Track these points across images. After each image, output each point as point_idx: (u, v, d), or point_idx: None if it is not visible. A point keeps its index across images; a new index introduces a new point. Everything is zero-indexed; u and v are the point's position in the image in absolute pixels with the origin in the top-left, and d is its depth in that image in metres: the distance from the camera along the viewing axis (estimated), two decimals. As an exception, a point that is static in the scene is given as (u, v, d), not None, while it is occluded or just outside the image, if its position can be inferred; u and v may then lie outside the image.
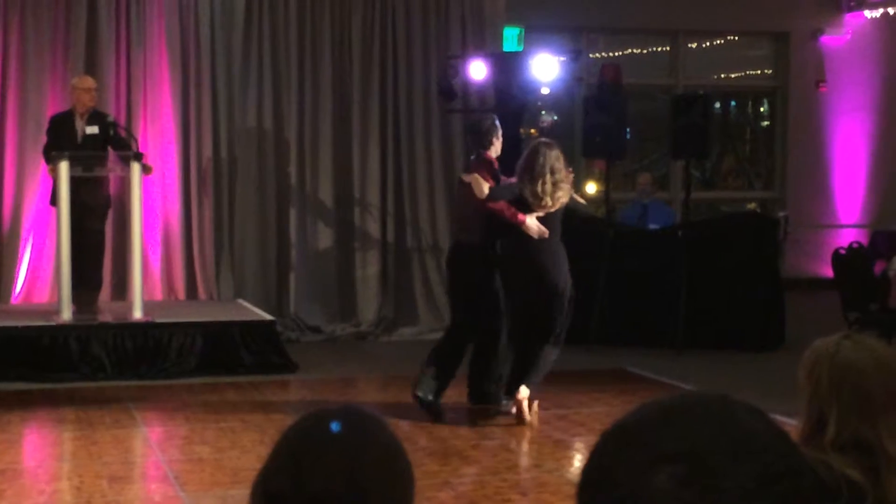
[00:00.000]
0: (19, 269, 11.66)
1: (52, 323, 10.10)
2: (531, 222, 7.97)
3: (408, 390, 8.64)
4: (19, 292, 11.68)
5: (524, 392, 8.11)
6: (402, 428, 8.21)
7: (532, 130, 15.17)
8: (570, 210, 8.55)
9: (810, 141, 15.64)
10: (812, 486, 1.21)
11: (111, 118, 10.81)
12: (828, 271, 12.39)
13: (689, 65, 15.48)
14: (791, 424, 7.59)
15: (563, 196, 8.03)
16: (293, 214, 12.28)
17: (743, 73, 16.40)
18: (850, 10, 15.70)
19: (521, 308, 8.24)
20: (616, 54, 15.34)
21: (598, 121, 11.56)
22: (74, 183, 10.08)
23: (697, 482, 1.15)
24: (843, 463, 2.70)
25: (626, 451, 1.21)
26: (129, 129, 11.16)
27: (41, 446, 8.32)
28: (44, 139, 10.81)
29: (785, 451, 1.21)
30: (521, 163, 8.09)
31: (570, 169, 8.32)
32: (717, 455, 1.16)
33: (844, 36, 15.70)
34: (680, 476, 1.15)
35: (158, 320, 10.32)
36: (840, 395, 2.77)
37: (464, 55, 12.30)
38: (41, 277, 11.71)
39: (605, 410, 8.82)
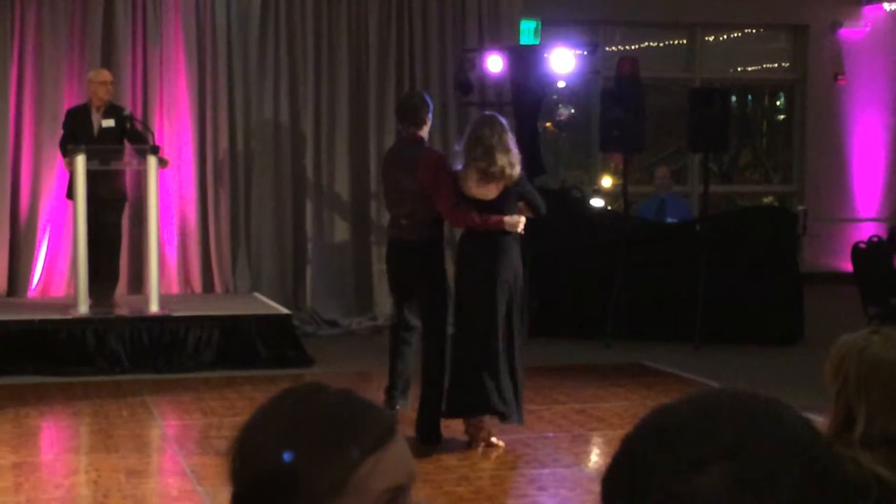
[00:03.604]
0: (36, 262, 11.66)
1: (69, 317, 10.10)
2: (509, 220, 7.30)
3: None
4: (36, 286, 11.69)
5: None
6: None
7: (548, 124, 15.14)
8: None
9: (829, 134, 15.56)
10: (851, 483, 1.19)
11: (127, 111, 10.81)
12: (847, 265, 12.34)
13: (707, 58, 15.41)
14: (812, 419, 7.58)
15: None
16: (309, 208, 12.26)
17: (761, 67, 16.32)
18: (869, 2, 15.61)
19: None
20: (633, 48, 15.27)
21: (616, 115, 11.49)
22: (91, 176, 10.08)
23: (745, 483, 1.11)
24: (872, 460, 2.67)
25: (667, 453, 1.15)
26: (145, 123, 11.15)
27: (58, 440, 8.31)
28: (60, 132, 10.81)
29: (825, 449, 1.17)
30: (468, 139, 7.34)
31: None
32: (763, 456, 1.12)
33: (863, 29, 15.61)
34: (726, 477, 1.11)
35: (175, 314, 10.31)
36: (869, 392, 2.73)
37: (480, 48, 12.26)
38: (58, 271, 11.71)
39: (623, 405, 8.78)
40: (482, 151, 7.21)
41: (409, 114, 7.61)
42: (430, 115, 7.67)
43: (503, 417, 7.35)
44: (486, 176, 7.24)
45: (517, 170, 7.30)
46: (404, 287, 7.71)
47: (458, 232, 8.03)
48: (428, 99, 7.78)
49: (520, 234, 7.43)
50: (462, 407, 7.43)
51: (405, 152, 7.63)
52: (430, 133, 12.38)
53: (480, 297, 7.30)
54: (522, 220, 7.38)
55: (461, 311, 7.43)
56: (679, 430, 1.16)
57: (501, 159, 7.21)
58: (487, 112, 8.15)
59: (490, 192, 7.28)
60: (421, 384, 7.58)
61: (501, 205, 7.30)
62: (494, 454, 7.39)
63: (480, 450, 7.39)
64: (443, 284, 7.60)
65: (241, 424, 1.52)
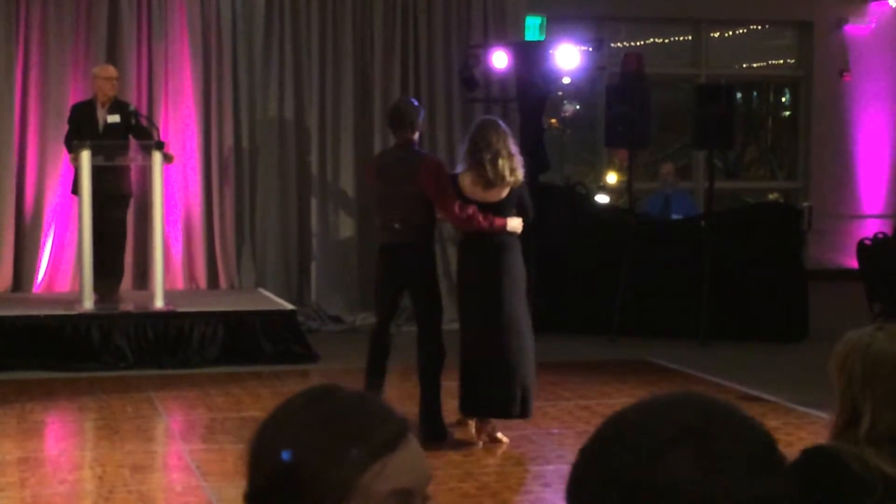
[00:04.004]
0: (41, 258, 11.67)
1: (74, 312, 10.11)
2: (511, 223, 7.40)
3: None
4: (41, 281, 11.70)
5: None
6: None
7: (553, 120, 15.13)
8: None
9: (834, 131, 15.54)
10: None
11: (132, 107, 10.81)
12: (852, 262, 12.33)
13: (712, 54, 15.40)
14: (816, 415, 7.49)
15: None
16: (314, 204, 12.26)
17: (766, 63, 16.30)
18: (875, -2, 15.59)
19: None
20: (638, 43, 15.26)
21: (621, 111, 11.49)
22: (96, 172, 10.08)
23: (706, 458, 1.23)
24: (878, 457, 2.66)
25: (629, 447, 1.27)
26: (150, 119, 11.15)
27: (63, 435, 8.32)
28: (65, 128, 10.82)
29: (766, 431, 1.31)
30: (472, 144, 7.39)
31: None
32: (722, 433, 1.25)
33: (869, 25, 15.59)
34: (688, 456, 1.23)
35: (180, 310, 10.32)
36: (874, 388, 2.73)
37: (486, 44, 12.26)
38: (63, 267, 11.72)
39: (628, 401, 8.68)
40: (489, 158, 7.28)
41: (402, 120, 7.64)
42: (421, 120, 7.71)
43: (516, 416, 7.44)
44: (489, 183, 7.33)
45: (520, 173, 7.39)
46: (393, 295, 7.71)
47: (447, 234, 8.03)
48: (417, 104, 7.84)
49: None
50: (480, 408, 7.47)
51: (400, 158, 7.65)
52: (436, 129, 12.49)
53: (487, 296, 7.34)
54: (521, 222, 7.47)
55: (468, 310, 7.47)
56: (637, 425, 1.28)
57: (504, 166, 7.30)
58: (489, 116, 8.24)
59: (493, 195, 7.36)
60: (421, 385, 7.59)
61: (503, 207, 7.39)
62: (499, 450, 7.39)
63: (482, 444, 7.42)
64: (436, 287, 7.68)
65: (260, 421, 1.55)
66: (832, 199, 15.29)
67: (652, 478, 1.23)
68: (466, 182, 7.39)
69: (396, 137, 7.76)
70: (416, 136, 7.68)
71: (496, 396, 7.34)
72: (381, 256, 7.74)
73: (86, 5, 11.66)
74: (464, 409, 7.53)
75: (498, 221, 7.34)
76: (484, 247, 7.41)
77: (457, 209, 7.33)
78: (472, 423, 7.55)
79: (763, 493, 1.23)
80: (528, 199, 7.60)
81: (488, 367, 7.33)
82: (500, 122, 7.58)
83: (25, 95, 11.61)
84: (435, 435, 7.41)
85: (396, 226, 7.53)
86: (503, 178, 7.31)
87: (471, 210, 7.32)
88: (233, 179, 12.13)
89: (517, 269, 7.46)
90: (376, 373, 7.71)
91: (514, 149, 7.41)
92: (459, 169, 7.51)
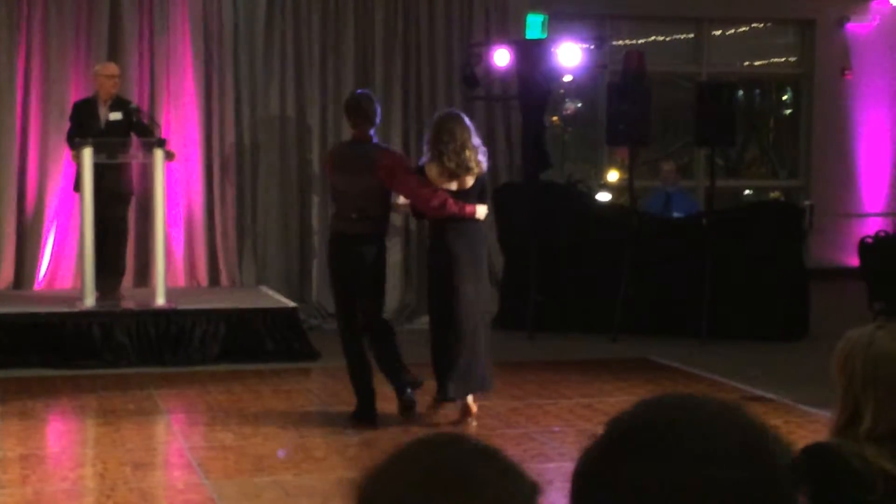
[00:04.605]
0: (43, 255, 11.68)
1: (75, 309, 10.11)
2: (480, 210, 7.79)
3: (430, 378, 8.62)
4: (42, 278, 11.70)
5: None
6: (425, 417, 8.19)
7: (555, 118, 15.12)
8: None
9: (835, 129, 15.52)
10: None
11: (134, 105, 10.82)
12: (853, 260, 12.32)
13: (714, 52, 15.38)
14: (817, 414, 7.49)
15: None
16: (315, 201, 12.27)
17: (768, 61, 16.28)
18: (877, -3, 15.58)
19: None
20: (640, 42, 15.25)
21: (622, 108, 11.49)
22: (98, 169, 10.09)
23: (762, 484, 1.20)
24: (879, 454, 2.67)
25: (674, 446, 1.22)
26: (151, 116, 11.16)
27: (64, 433, 8.33)
28: (67, 126, 10.82)
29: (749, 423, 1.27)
30: (435, 136, 7.74)
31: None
32: (722, 458, 1.22)
33: (871, 23, 15.57)
34: (742, 476, 1.19)
35: (181, 307, 10.33)
36: (875, 387, 2.73)
37: (487, 42, 12.26)
38: (64, 264, 11.73)
39: (629, 400, 8.67)
40: (452, 150, 7.67)
41: (360, 113, 7.94)
42: (377, 112, 8.01)
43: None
44: (452, 174, 7.70)
45: (483, 163, 7.82)
46: (349, 288, 7.94)
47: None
48: (375, 98, 8.16)
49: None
50: (461, 390, 7.85)
51: (359, 150, 7.95)
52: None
53: (459, 282, 7.72)
54: (486, 209, 7.90)
55: (439, 297, 7.84)
56: (688, 426, 1.24)
57: (470, 157, 7.70)
58: (451, 110, 8.72)
59: (459, 184, 7.74)
60: (385, 365, 7.98)
61: (468, 195, 7.77)
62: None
63: (470, 422, 7.92)
64: (384, 277, 8.08)
65: (373, 465, 1.40)
66: (833, 198, 15.28)
67: (695, 486, 1.20)
68: (433, 172, 7.75)
69: (355, 130, 8.05)
70: (374, 130, 8.00)
71: (468, 376, 7.78)
72: (333, 246, 8.07)
73: (87, 3, 11.66)
74: (451, 395, 7.85)
75: (468, 208, 7.72)
76: (455, 233, 7.74)
77: (430, 197, 7.68)
78: (453, 405, 7.93)
79: (741, 477, 1.21)
80: (488, 188, 8.09)
81: (456, 349, 7.70)
82: (464, 116, 7.97)
83: (27, 93, 11.61)
84: (407, 408, 7.96)
85: (353, 216, 7.83)
86: (469, 168, 7.70)
87: (443, 197, 7.67)
88: (234, 177, 12.13)
89: (482, 254, 7.97)
90: (366, 393, 7.98)
91: (477, 140, 7.82)
92: (423, 160, 7.89)
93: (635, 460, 1.17)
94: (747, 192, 16.20)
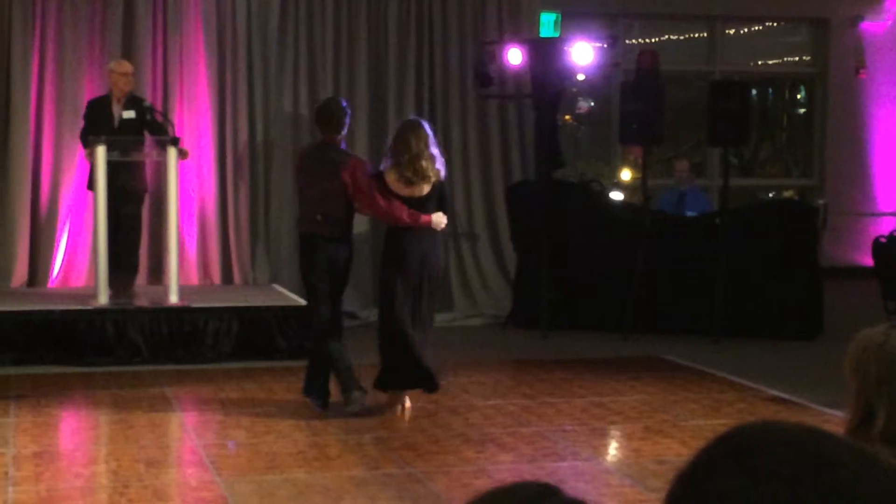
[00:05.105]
0: (56, 253, 11.71)
1: (89, 307, 10.14)
2: (436, 218, 8.01)
3: (443, 377, 8.63)
4: (56, 276, 11.73)
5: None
6: (437, 415, 8.21)
7: (568, 117, 15.12)
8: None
9: (849, 128, 15.49)
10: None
11: (148, 103, 10.83)
12: (867, 260, 12.30)
13: (728, 51, 15.36)
14: (830, 414, 7.47)
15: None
16: (329, 200, 12.26)
17: (781, 60, 16.26)
18: (891, -5, 15.54)
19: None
20: (653, 40, 15.24)
21: (635, 107, 11.47)
22: (111, 167, 10.11)
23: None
24: (892, 455, 2.66)
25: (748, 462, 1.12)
26: (165, 114, 11.17)
27: (78, 430, 8.35)
28: (81, 124, 10.84)
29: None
30: (394, 144, 8.06)
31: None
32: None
33: (885, 22, 15.54)
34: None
35: (194, 305, 10.34)
36: (889, 386, 2.72)
37: (500, 41, 12.25)
38: (78, 262, 11.76)
39: (642, 398, 8.77)
40: (408, 159, 7.93)
41: (328, 120, 8.29)
42: (347, 120, 8.33)
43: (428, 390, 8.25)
44: (409, 182, 7.96)
45: (440, 172, 8.05)
46: (325, 281, 8.24)
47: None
48: (345, 105, 8.45)
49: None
50: (397, 383, 8.24)
51: (324, 155, 8.25)
52: (450, 126, 12.50)
53: (405, 285, 7.99)
54: (445, 218, 8.12)
55: (386, 296, 8.12)
56: (782, 447, 1.13)
57: (427, 167, 7.95)
58: (412, 118, 8.98)
59: (416, 192, 7.99)
60: (333, 363, 8.30)
61: (425, 203, 8.00)
62: (509, 452, 7.40)
63: (398, 412, 8.19)
64: (348, 280, 8.43)
65: None
66: (847, 197, 15.25)
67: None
68: (391, 179, 8.02)
69: (323, 134, 8.37)
70: (342, 136, 8.32)
71: (411, 372, 8.11)
72: (303, 244, 8.39)
73: (101, 1, 11.69)
74: (382, 385, 8.24)
75: (423, 218, 7.96)
76: (409, 239, 7.99)
77: (382, 204, 7.98)
78: (394, 396, 8.26)
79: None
80: (447, 195, 8.36)
81: (402, 347, 8.04)
82: (423, 124, 8.25)
83: (41, 91, 11.64)
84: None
85: (318, 218, 8.17)
86: (425, 176, 7.95)
87: (395, 205, 7.95)
88: (247, 175, 12.15)
89: (436, 263, 8.12)
90: (345, 363, 8.32)
91: (435, 150, 8.05)
92: (383, 166, 8.14)
93: (726, 478, 1.11)
94: (771, 194, 16.21)
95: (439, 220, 8.04)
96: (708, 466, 1.14)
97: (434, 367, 8.21)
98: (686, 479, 1.15)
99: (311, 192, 8.23)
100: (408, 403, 8.32)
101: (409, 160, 7.91)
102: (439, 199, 8.11)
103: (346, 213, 8.20)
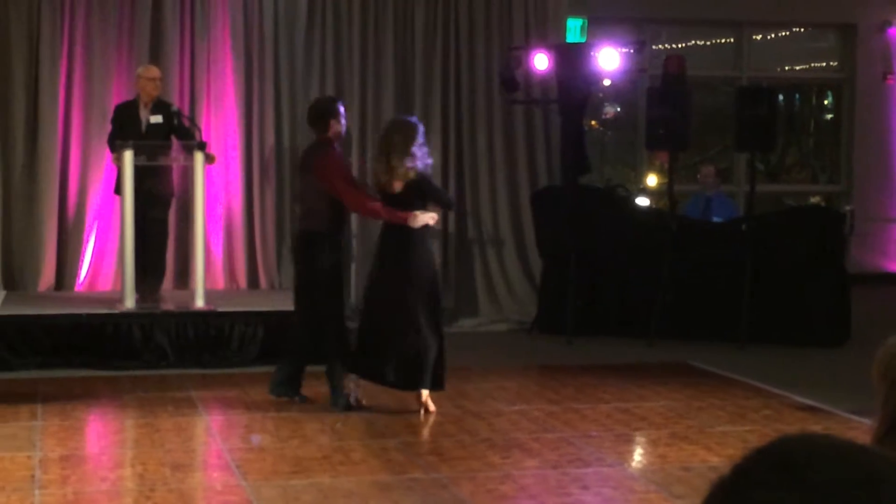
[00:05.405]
0: (84, 257, 11.76)
1: (116, 311, 10.18)
2: (413, 216, 8.07)
3: (469, 382, 8.63)
4: (83, 280, 11.78)
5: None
6: (463, 420, 8.20)
7: (594, 122, 15.10)
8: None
9: (877, 134, 15.42)
10: None
11: (175, 108, 10.87)
12: (894, 266, 12.22)
13: (754, 57, 15.31)
14: (857, 421, 7.41)
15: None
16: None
17: (809, 66, 16.20)
18: (920, 1, 15.45)
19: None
20: (680, 46, 15.20)
21: (662, 113, 11.45)
22: (138, 172, 10.15)
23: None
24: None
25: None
26: (192, 119, 11.21)
27: (104, 433, 8.38)
28: (108, 128, 10.89)
29: None
30: (379, 141, 8.48)
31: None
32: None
33: (913, 27, 15.45)
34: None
35: (220, 309, 10.37)
36: (917, 394, 2.70)
37: (527, 46, 12.25)
38: (105, 266, 11.81)
39: (667, 405, 8.75)
40: (378, 156, 8.29)
41: (315, 121, 8.55)
42: (334, 120, 8.44)
43: (404, 388, 8.30)
44: (380, 179, 8.23)
45: (410, 171, 8.10)
46: (301, 278, 8.59)
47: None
48: (337, 105, 8.61)
49: (431, 226, 8.38)
50: (364, 370, 8.35)
51: (311, 153, 8.53)
52: (476, 130, 12.49)
53: (391, 283, 8.18)
54: (431, 215, 8.20)
55: (372, 291, 8.39)
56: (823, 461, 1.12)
57: (394, 164, 8.09)
58: (400, 116, 9.30)
59: (392, 188, 8.18)
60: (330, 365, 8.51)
61: (406, 199, 8.13)
62: (535, 457, 7.39)
63: (353, 399, 8.36)
64: (338, 278, 8.47)
65: None
66: (874, 203, 15.18)
67: None
68: (374, 174, 8.42)
69: (315, 135, 8.60)
70: (331, 134, 8.43)
71: (385, 365, 8.20)
72: (293, 242, 8.78)
73: (129, 6, 11.74)
74: (353, 369, 8.38)
75: (400, 214, 8.07)
76: (390, 234, 8.22)
77: (356, 198, 8.28)
78: (356, 384, 8.38)
79: None
80: (433, 189, 8.45)
81: (379, 340, 8.21)
82: (409, 122, 8.44)
83: (69, 95, 11.70)
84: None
85: (297, 210, 8.62)
86: (395, 174, 8.11)
87: (367, 199, 8.29)
88: (274, 180, 12.18)
89: (415, 259, 8.18)
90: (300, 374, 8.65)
91: (415, 147, 8.11)
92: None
93: (772, 491, 1.08)
94: (791, 202, 16.14)
95: (421, 219, 8.10)
96: (751, 477, 1.12)
97: (425, 366, 8.17)
98: (728, 489, 1.13)
99: (299, 191, 8.78)
100: (431, 407, 8.30)
101: (377, 157, 8.33)
102: (423, 196, 8.23)
103: (329, 208, 8.32)
